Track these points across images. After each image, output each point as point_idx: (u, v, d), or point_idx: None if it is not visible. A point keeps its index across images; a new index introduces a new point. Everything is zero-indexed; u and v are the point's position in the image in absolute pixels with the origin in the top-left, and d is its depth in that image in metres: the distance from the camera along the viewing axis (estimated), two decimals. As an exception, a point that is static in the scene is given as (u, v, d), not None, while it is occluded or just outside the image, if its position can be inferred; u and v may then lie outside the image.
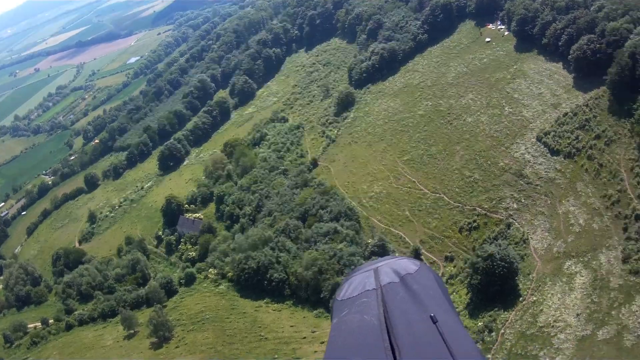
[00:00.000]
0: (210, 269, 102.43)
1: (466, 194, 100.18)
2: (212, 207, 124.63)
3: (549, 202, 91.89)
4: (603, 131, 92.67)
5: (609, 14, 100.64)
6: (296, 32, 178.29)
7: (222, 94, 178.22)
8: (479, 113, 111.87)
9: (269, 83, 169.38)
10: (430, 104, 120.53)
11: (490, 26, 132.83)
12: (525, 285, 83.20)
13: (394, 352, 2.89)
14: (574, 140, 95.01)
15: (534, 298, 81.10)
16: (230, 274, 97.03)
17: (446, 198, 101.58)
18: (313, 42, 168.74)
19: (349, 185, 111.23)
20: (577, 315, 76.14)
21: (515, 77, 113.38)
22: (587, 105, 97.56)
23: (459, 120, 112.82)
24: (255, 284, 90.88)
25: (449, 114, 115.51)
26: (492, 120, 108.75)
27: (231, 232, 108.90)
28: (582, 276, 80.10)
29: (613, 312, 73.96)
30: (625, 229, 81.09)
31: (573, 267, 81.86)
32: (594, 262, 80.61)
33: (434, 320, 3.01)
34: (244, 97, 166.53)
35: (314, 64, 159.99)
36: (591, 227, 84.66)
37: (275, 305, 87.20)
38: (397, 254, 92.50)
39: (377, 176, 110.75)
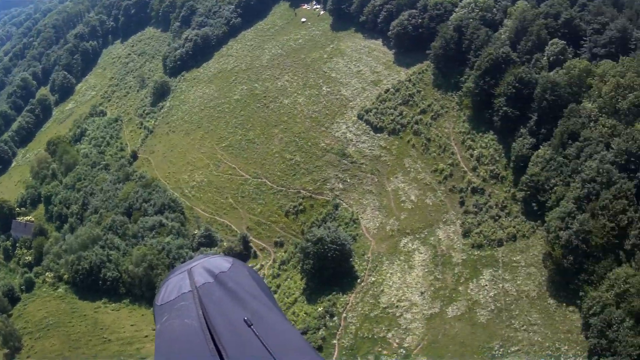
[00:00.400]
0: (47, 273, 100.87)
1: (289, 177, 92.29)
2: (41, 208, 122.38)
3: (376, 180, 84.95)
4: (429, 106, 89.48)
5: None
6: (112, 23, 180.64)
7: (44, 91, 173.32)
8: (296, 94, 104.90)
9: (87, 77, 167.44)
10: (246, 88, 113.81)
11: (305, 6, 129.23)
12: (362, 266, 74.78)
13: (220, 355, 2.82)
14: (398, 116, 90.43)
15: (373, 279, 72.39)
16: (66, 276, 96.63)
17: (268, 182, 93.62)
18: (128, 32, 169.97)
19: (170, 176, 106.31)
20: (422, 293, 68.43)
21: (332, 56, 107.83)
22: (409, 81, 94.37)
23: (276, 103, 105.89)
24: (90, 284, 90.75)
25: (265, 97, 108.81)
26: (310, 100, 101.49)
27: (61, 233, 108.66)
28: (421, 253, 73.19)
29: (460, 288, 67.47)
30: (462, 203, 76.65)
31: (410, 245, 74.81)
32: (432, 238, 74.39)
33: (248, 324, 2.90)
34: (64, 93, 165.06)
35: (129, 54, 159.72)
36: (424, 203, 78.94)
37: (113, 304, 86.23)
38: (225, 243, 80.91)
39: (197, 165, 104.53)
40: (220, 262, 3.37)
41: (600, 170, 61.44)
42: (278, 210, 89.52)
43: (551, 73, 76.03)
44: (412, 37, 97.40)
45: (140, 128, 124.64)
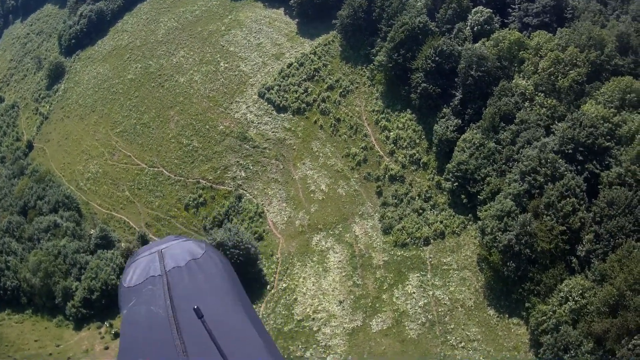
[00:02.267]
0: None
1: (187, 165, 74.85)
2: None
3: (281, 166, 68.47)
4: (336, 81, 73.37)
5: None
6: (12, 2, 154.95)
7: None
8: (192, 72, 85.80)
9: None
10: (140, 66, 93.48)
11: None
12: (271, 269, 59.76)
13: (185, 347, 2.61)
14: (303, 94, 73.86)
15: (284, 284, 57.63)
16: (-37, 285, 78.84)
17: (165, 172, 75.80)
18: (29, 11, 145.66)
19: (65, 167, 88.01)
20: (340, 302, 53.83)
21: (230, 28, 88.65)
22: (314, 54, 77.58)
23: (171, 82, 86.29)
24: None
25: (159, 75, 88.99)
26: (207, 78, 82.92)
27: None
28: (337, 253, 58.18)
29: (384, 296, 53.10)
30: (379, 193, 62.01)
31: (323, 243, 59.67)
32: (348, 235, 59.34)
33: (198, 315, 2.66)
34: None
35: (28, 34, 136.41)
36: (337, 193, 63.58)
37: (17, 316, 72.82)
38: (122, 244, 62.96)
39: (92, 153, 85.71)
40: (193, 247, 3.02)
41: (542, 160, 48.11)
42: (177, 204, 72.13)
43: (476, 45, 61.83)
44: (316, 5, 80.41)
45: (36, 114, 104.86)
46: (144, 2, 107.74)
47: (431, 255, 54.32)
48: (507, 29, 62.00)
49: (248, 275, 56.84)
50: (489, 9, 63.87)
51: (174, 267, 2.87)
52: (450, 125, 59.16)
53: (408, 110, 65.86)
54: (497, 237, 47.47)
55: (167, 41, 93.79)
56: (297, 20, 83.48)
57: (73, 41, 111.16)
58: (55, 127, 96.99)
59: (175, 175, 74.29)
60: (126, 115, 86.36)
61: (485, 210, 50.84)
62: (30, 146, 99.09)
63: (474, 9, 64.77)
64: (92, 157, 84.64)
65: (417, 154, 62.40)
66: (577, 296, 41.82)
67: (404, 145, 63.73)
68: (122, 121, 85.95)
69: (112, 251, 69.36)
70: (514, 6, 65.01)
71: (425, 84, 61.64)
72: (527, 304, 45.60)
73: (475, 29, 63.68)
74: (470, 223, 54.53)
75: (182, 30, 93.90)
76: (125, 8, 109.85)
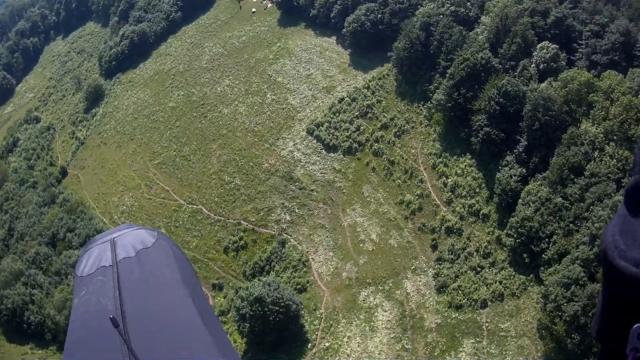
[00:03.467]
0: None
1: (228, 204, 76.10)
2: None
3: (329, 211, 69.03)
4: (391, 119, 73.58)
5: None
6: (54, 18, 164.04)
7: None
8: (236, 102, 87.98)
9: (27, 77, 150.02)
10: (182, 93, 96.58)
11: None
12: (313, 325, 59.99)
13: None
14: (355, 132, 74.38)
15: (327, 343, 57.67)
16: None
17: (205, 210, 77.29)
18: (70, 28, 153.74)
19: (99, 198, 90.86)
20: (388, 370, 52.89)
21: (278, 56, 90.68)
22: (368, 88, 78.19)
23: (214, 113, 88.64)
24: (16, 326, 79.70)
25: (202, 105, 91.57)
26: (253, 110, 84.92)
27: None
28: (386, 311, 57.92)
29: (436, 364, 52.09)
30: (434, 247, 61.35)
31: (372, 299, 59.52)
32: (399, 292, 59.04)
33: (114, 324, 2.58)
34: (3, 94, 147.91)
35: (68, 52, 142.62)
36: (388, 245, 63.49)
37: (40, 351, 74.88)
38: None
39: (128, 185, 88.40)
40: (144, 236, 3.08)
41: (616, 221, 46.32)
42: (216, 245, 73.29)
43: (543, 85, 60.76)
44: (370, 36, 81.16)
45: (72, 138, 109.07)
46: (189, 25, 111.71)
47: (488, 320, 53.27)
48: (575, 67, 60.65)
49: (287, 332, 57.51)
50: (555, 45, 62.62)
51: (125, 257, 2.96)
52: (514, 175, 58.16)
53: (467, 154, 65.23)
54: (562, 306, 46.19)
55: (212, 68, 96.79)
56: (349, 50, 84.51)
57: (113, 63, 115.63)
58: (91, 153, 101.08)
59: (215, 215, 75.93)
60: (166, 146, 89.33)
61: (550, 275, 49.54)
62: (64, 172, 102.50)
63: (540, 45, 63.70)
64: (128, 188, 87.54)
65: (476, 204, 61.57)
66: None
67: (462, 194, 63.06)
68: (162, 152, 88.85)
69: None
70: (580, 42, 63.58)
71: (487, 128, 60.97)
72: (595, 386, 44.02)
73: (540, 67, 62.61)
74: (532, 284, 53.16)
75: (228, 57, 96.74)
76: (169, 30, 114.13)
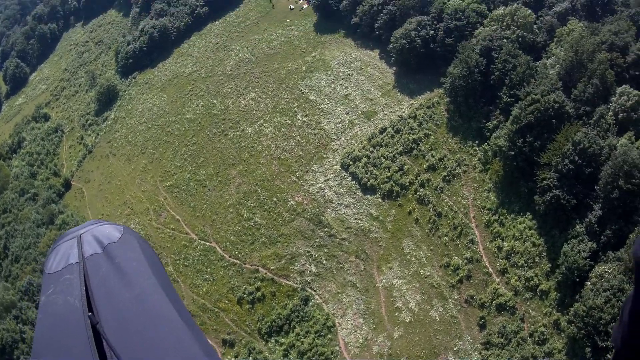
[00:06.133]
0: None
1: (245, 245, 72.98)
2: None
3: (362, 267, 65.63)
4: (440, 160, 69.48)
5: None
6: (75, 3, 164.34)
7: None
8: (262, 121, 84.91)
9: (42, 65, 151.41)
10: (202, 104, 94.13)
11: None
12: None
13: (101, 343, 2.83)
14: (397, 172, 70.39)
15: None
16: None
17: (219, 249, 74.35)
18: (91, 14, 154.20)
19: (103, 219, 79.16)
20: None
21: (313, 69, 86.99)
22: (414, 118, 74.01)
23: (236, 131, 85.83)
24: None
25: (223, 120, 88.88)
26: (280, 133, 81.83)
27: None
28: (421, 404, 54.31)
29: None
30: (482, 326, 57.44)
31: (406, 386, 55.88)
32: (439, 379, 55.21)
33: (93, 322, 2.83)
34: (16, 83, 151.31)
35: (87, 42, 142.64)
36: (429, 317, 60.01)
37: None
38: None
39: (135, 208, 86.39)
40: (110, 231, 3.31)
41: None
42: (229, 294, 70.44)
43: (622, 141, 55.80)
44: (420, 55, 76.52)
45: (80, 144, 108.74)
46: (216, 22, 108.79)
47: None
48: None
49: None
50: (637, 92, 57.48)
51: (92, 253, 3.07)
52: (583, 250, 53.62)
53: (528, 214, 60.77)
54: None
55: (237, 76, 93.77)
56: (394, 68, 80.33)
57: (130, 61, 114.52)
58: (98, 164, 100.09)
59: (230, 257, 73.18)
60: (180, 165, 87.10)
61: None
62: (67, 185, 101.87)
63: (619, 89, 58.72)
64: (135, 212, 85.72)
65: (535, 278, 57.27)
66: None
67: (519, 263, 58.80)
68: (174, 172, 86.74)
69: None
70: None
71: (557, 191, 56.24)
72: None
73: (619, 116, 57.61)
74: (597, 389, 49.14)
75: (256, 65, 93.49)
76: (193, 27, 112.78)
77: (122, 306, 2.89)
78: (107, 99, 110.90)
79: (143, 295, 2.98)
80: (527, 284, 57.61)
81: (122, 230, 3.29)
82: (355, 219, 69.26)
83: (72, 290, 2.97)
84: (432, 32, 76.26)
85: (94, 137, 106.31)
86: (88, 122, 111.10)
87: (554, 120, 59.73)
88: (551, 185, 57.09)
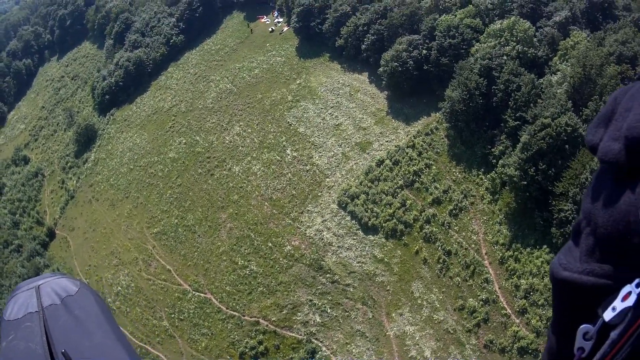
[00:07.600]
0: None
1: (242, 295, 70.64)
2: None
3: (370, 315, 63.60)
4: (445, 192, 67.51)
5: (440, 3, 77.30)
6: (48, 36, 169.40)
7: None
8: (249, 158, 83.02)
9: (20, 103, 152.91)
10: (184, 141, 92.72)
11: (264, 19, 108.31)
12: None
13: None
14: (400, 208, 68.27)
15: None
16: None
17: (215, 301, 71.97)
18: (65, 47, 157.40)
19: (90, 272, 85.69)
20: None
21: (299, 97, 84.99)
22: (413, 147, 71.96)
23: (223, 170, 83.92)
24: None
25: (208, 158, 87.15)
26: (270, 171, 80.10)
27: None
28: None
29: None
30: (505, 373, 55.19)
31: None
32: None
33: (67, 358, 2.95)
34: None
35: (62, 77, 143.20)
36: (447, 366, 57.49)
37: None
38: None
39: (123, 258, 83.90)
40: (67, 284, 3.44)
41: None
42: (230, 349, 67.84)
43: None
44: (413, 78, 74.61)
45: (62, 188, 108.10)
46: (192, 50, 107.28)
47: None
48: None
49: None
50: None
51: (51, 304, 3.17)
52: (611, 287, 51.87)
53: (545, 247, 58.93)
54: None
55: (219, 109, 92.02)
56: (386, 92, 78.34)
57: (107, 97, 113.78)
58: (81, 211, 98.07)
59: (227, 308, 70.77)
60: (165, 210, 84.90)
61: None
62: (51, 234, 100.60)
63: (634, 109, 57.07)
64: (123, 263, 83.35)
65: (559, 319, 55.41)
66: None
67: (539, 302, 56.88)
68: (161, 218, 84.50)
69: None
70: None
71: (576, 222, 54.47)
72: None
73: (633, 137, 56.03)
74: None
75: (238, 96, 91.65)
76: (169, 57, 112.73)
77: (82, 355, 2.94)
78: (86, 139, 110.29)
79: (102, 346, 3.05)
80: (549, 323, 55.65)
81: (79, 284, 3.40)
82: (358, 262, 67.12)
83: (33, 337, 3.04)
84: (424, 51, 74.36)
85: (75, 181, 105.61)
86: (68, 164, 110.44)
87: (567, 146, 57.99)
88: (569, 216, 55.32)
